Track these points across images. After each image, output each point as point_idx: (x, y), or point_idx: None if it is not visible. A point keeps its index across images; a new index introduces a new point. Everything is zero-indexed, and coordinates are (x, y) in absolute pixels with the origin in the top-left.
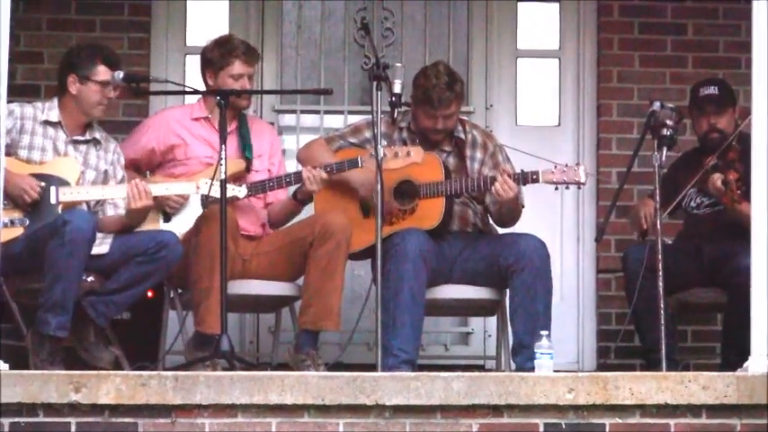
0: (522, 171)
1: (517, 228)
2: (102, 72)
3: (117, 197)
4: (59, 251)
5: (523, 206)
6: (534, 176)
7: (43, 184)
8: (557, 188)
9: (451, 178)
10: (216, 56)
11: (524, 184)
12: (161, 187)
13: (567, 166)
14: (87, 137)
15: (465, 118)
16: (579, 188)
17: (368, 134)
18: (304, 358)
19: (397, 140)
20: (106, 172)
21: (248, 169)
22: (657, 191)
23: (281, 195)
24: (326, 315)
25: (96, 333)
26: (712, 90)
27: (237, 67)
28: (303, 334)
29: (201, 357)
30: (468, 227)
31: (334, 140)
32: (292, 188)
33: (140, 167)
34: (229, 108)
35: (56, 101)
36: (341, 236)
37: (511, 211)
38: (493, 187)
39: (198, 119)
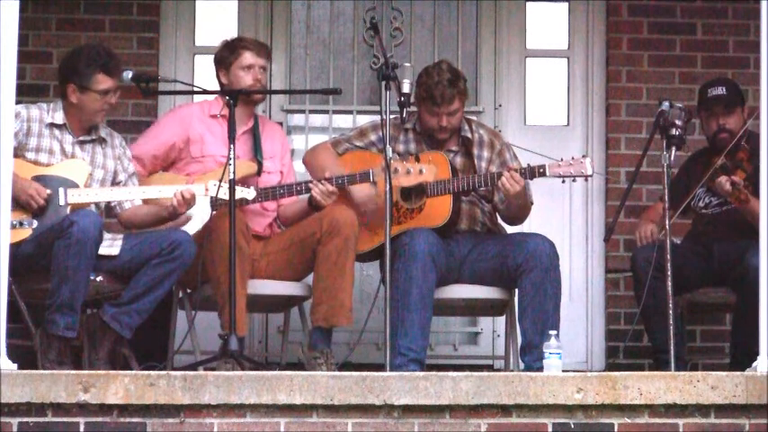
0: (529, 165)
1: (526, 227)
2: (101, 80)
3: (125, 198)
4: (66, 252)
5: (532, 203)
6: (541, 170)
7: (49, 191)
8: (563, 181)
9: (458, 176)
10: (226, 53)
11: (531, 179)
12: (169, 189)
13: (573, 158)
14: (93, 136)
15: (471, 117)
16: (586, 180)
17: (373, 137)
18: (317, 356)
19: (402, 142)
20: (115, 169)
21: (259, 172)
22: (666, 191)
23: (294, 197)
24: (338, 311)
25: (108, 352)
26: (720, 90)
27: (247, 57)
28: (316, 332)
29: (217, 356)
30: (477, 225)
31: (339, 144)
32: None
33: (156, 164)
34: (245, 106)
35: (60, 103)
36: (348, 231)
37: (520, 207)
38: (500, 182)
39: (214, 116)
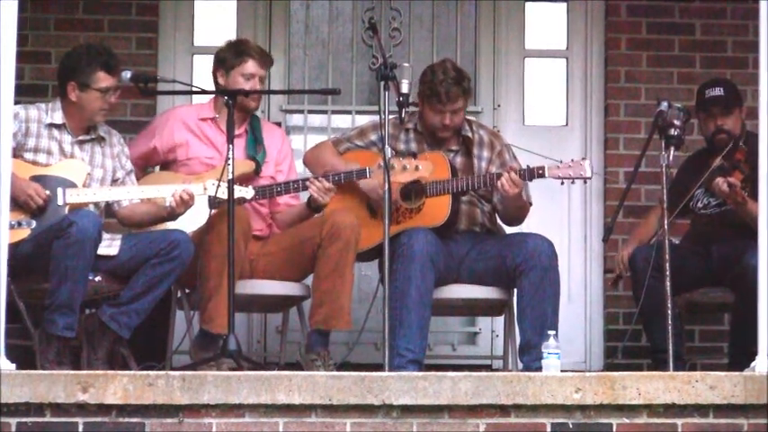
0: (528, 167)
1: (525, 227)
2: (102, 78)
3: (123, 198)
4: (65, 252)
5: (531, 204)
6: (540, 171)
7: (48, 192)
8: (562, 183)
9: (458, 176)
10: (229, 55)
11: (530, 180)
12: (167, 189)
13: (572, 161)
14: (92, 135)
15: (472, 118)
16: (585, 182)
17: (373, 137)
18: (315, 358)
19: (403, 142)
20: (114, 167)
21: (257, 172)
22: (665, 191)
23: (293, 202)
24: (338, 314)
25: (107, 353)
26: (718, 91)
27: (251, 66)
28: (314, 334)
29: (206, 358)
30: (476, 226)
31: (340, 143)
32: (303, 193)
33: (143, 167)
34: (239, 109)
35: (59, 102)
36: (350, 235)
37: (518, 208)
38: (498, 183)
39: (205, 119)
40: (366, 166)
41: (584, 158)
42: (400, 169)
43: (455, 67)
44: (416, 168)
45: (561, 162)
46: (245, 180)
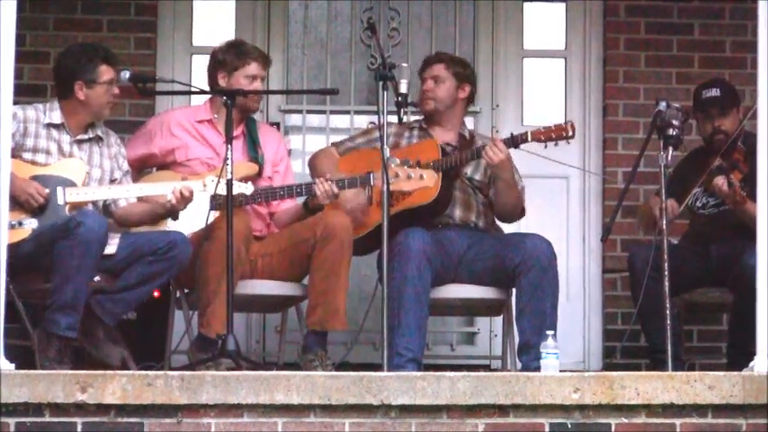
0: (512, 134)
1: (524, 227)
2: (105, 71)
3: (122, 196)
4: (71, 252)
5: (524, 210)
6: (523, 137)
7: (48, 191)
8: (546, 146)
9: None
10: (231, 57)
11: (516, 147)
12: (166, 186)
13: (554, 124)
14: (90, 135)
15: (473, 129)
16: (568, 143)
17: (377, 135)
18: (312, 359)
19: (406, 138)
20: (111, 168)
21: (260, 173)
22: (663, 191)
23: (288, 203)
24: (333, 316)
25: (105, 332)
26: (715, 92)
27: (254, 68)
28: (311, 335)
29: (203, 359)
30: (472, 214)
31: (342, 144)
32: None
33: (141, 169)
34: (238, 110)
35: (56, 102)
36: (343, 236)
37: (509, 187)
38: (483, 152)
39: (202, 121)
40: (367, 166)
41: (567, 121)
42: (404, 178)
43: (460, 57)
44: (421, 177)
45: (544, 127)
46: (247, 182)
